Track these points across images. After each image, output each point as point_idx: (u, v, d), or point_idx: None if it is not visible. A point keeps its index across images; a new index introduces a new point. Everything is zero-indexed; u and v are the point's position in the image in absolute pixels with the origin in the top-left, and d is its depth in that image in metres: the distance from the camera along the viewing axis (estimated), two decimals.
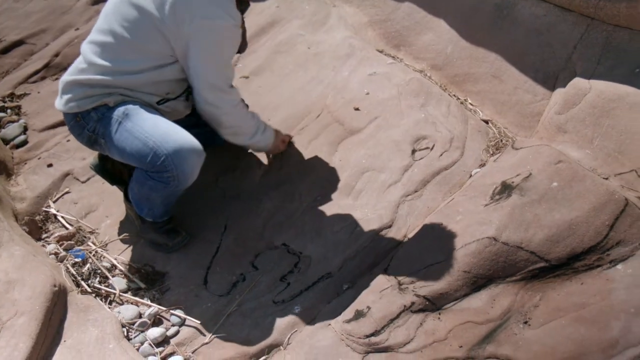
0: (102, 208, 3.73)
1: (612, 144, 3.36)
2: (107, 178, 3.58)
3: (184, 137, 3.01)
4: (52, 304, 2.91)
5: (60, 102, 3.15)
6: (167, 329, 3.07)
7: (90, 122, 3.09)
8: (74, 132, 3.22)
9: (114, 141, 3.06)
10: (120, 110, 3.04)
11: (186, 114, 3.44)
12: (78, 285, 3.21)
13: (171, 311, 3.13)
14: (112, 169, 3.50)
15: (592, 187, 3.08)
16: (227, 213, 3.55)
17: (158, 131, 2.99)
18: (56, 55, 4.96)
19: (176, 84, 3.19)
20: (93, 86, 3.05)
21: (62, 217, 3.66)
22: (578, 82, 3.62)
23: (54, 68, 4.88)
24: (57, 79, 4.78)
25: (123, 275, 3.33)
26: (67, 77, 3.13)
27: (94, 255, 3.39)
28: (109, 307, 3.15)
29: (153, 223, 3.37)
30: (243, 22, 3.36)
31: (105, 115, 3.06)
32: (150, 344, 2.99)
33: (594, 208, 3.00)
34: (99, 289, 3.22)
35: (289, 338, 2.95)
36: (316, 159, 3.73)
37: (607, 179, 3.24)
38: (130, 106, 3.06)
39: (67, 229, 3.59)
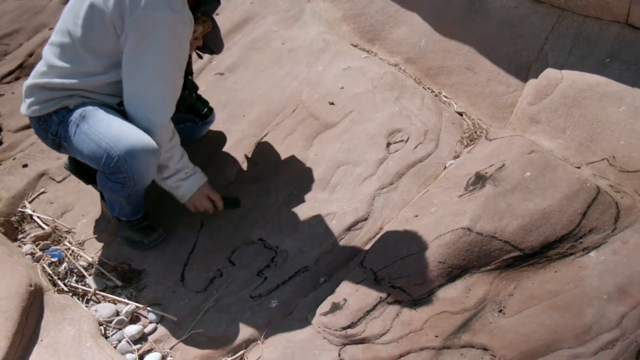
0: (78, 207, 3.71)
1: (583, 133, 3.39)
2: (81, 177, 3.56)
3: (136, 137, 2.94)
4: (28, 304, 2.89)
5: (24, 107, 3.13)
6: (144, 326, 3.06)
7: (52, 126, 3.08)
8: (39, 135, 3.20)
9: (73, 143, 3.04)
10: (77, 112, 3.01)
11: None
12: (54, 284, 3.19)
13: (148, 308, 3.13)
14: (85, 168, 3.48)
15: (565, 176, 3.10)
16: None
17: (111, 132, 2.94)
18: (30, 55, 4.92)
19: None
20: (53, 89, 3.02)
21: (38, 217, 3.64)
22: (550, 73, 3.65)
23: (27, 68, 4.84)
24: None
25: (100, 274, 3.31)
26: (29, 80, 3.10)
27: (70, 255, 3.38)
28: (86, 306, 3.14)
29: (128, 221, 3.36)
30: (214, 22, 3.35)
31: (65, 118, 3.03)
32: (127, 342, 2.98)
33: (566, 197, 3.03)
34: (76, 287, 3.21)
35: (266, 332, 2.95)
36: (292, 154, 3.73)
37: (579, 167, 3.27)
38: (88, 108, 3.03)
39: (43, 228, 3.57)
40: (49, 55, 3.04)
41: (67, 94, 3.03)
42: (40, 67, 3.09)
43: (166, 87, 3.00)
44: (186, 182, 3.25)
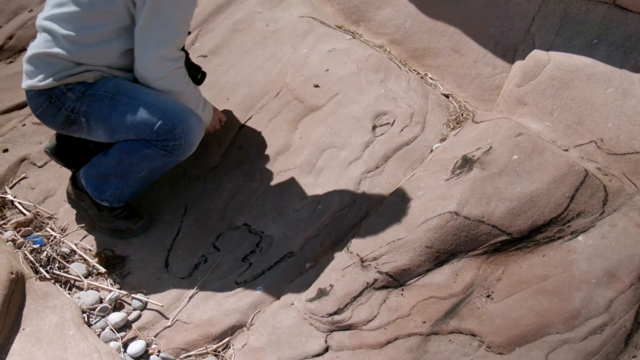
0: (60, 193, 3.66)
1: (571, 115, 3.37)
2: (61, 161, 3.50)
3: (189, 111, 3.05)
4: (9, 292, 2.85)
5: (30, 80, 3.02)
6: (128, 314, 3.03)
7: (67, 102, 2.99)
8: (46, 114, 3.08)
9: (106, 117, 2.99)
10: (108, 85, 2.99)
11: None
12: (36, 271, 3.15)
13: (132, 295, 3.09)
14: (68, 152, 3.43)
15: (552, 159, 3.09)
16: (187, 194, 3.51)
17: (163, 101, 2.99)
18: (10, 38, 4.84)
19: None
20: (63, 60, 2.95)
21: (19, 203, 3.59)
22: (537, 54, 3.62)
23: (7, 51, 4.77)
24: (11, 62, 4.68)
25: (83, 260, 3.27)
26: (35, 50, 3.00)
27: (52, 241, 3.33)
28: (69, 293, 3.10)
29: (111, 209, 3.30)
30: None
31: (86, 92, 2.98)
32: (111, 329, 2.95)
33: (554, 180, 3.02)
34: (59, 275, 3.17)
35: (252, 319, 2.93)
36: (276, 137, 3.69)
37: (567, 150, 3.26)
38: (118, 81, 3.02)
39: (24, 215, 3.52)
40: (53, 26, 2.94)
41: (83, 68, 2.97)
42: (42, 38, 3.00)
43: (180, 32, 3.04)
44: (206, 110, 3.32)
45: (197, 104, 3.23)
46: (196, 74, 3.51)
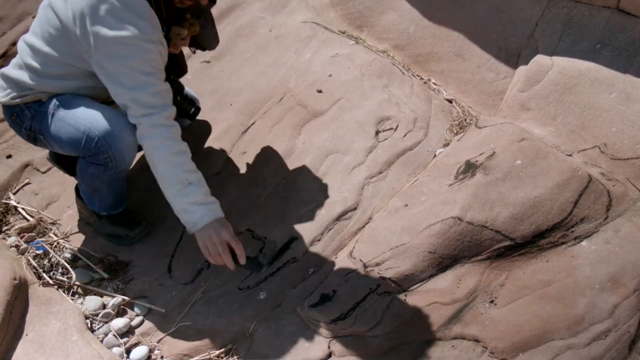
0: (64, 198, 3.66)
1: (574, 120, 3.36)
2: (63, 168, 3.52)
3: (115, 117, 2.91)
4: (12, 298, 2.85)
5: (1, 94, 3.08)
6: (131, 319, 3.03)
7: (25, 121, 3.03)
8: (14, 129, 3.15)
9: (51, 133, 2.99)
10: (52, 102, 2.98)
11: None
12: (40, 277, 3.15)
13: (135, 301, 3.09)
14: (67, 159, 3.44)
15: (556, 164, 3.08)
16: None
17: (88, 114, 2.91)
18: (13, 44, 4.84)
19: None
20: (25, 85, 2.98)
21: (23, 208, 3.59)
22: (540, 59, 3.62)
23: (11, 57, 4.78)
24: None
25: (86, 266, 3.27)
26: (6, 70, 3.06)
27: (55, 247, 3.33)
28: (72, 299, 3.10)
29: (109, 217, 3.31)
30: (209, 17, 3.30)
31: (38, 110, 2.99)
32: (114, 335, 2.95)
33: (557, 185, 3.01)
34: (61, 280, 3.17)
35: (254, 325, 2.92)
36: (280, 142, 3.69)
37: (570, 155, 3.25)
38: (62, 96, 2.99)
39: (27, 220, 3.52)
40: (23, 51, 2.99)
41: (41, 89, 2.99)
42: (17, 59, 3.03)
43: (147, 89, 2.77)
44: (202, 208, 2.81)
45: (179, 186, 2.80)
46: (189, 108, 3.50)
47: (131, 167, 3.16)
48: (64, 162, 3.48)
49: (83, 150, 2.94)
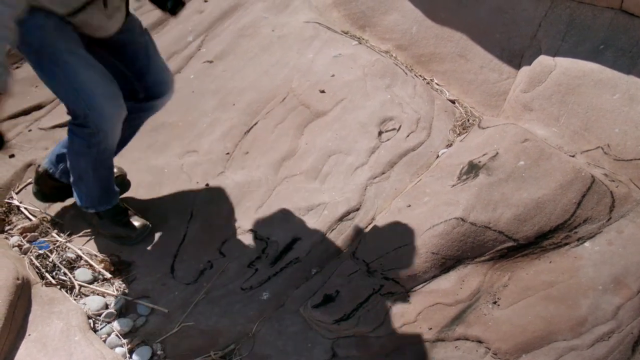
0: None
1: (578, 121, 3.36)
2: (51, 200, 3.51)
3: (108, 96, 2.86)
4: (15, 298, 2.85)
5: None
6: (134, 320, 3.02)
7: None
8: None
9: (37, 71, 2.86)
10: (34, 43, 2.74)
11: (112, 32, 2.97)
12: (42, 277, 3.15)
13: (138, 301, 3.09)
14: (53, 189, 3.42)
15: (559, 165, 3.08)
16: (192, 200, 3.50)
17: (84, 81, 2.80)
18: None
19: None
20: None
21: (26, 208, 3.59)
22: (543, 60, 3.62)
23: (13, 56, 4.77)
24: (17, 67, 4.68)
25: (88, 266, 3.27)
26: None
27: (58, 247, 3.33)
28: (75, 299, 3.09)
29: (109, 216, 3.29)
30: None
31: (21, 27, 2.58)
32: (117, 335, 2.94)
33: (560, 186, 3.01)
34: (64, 280, 3.16)
35: (257, 325, 2.92)
36: (282, 142, 3.69)
37: (573, 156, 3.25)
38: (46, 42, 2.75)
39: (30, 220, 3.52)
40: None
41: None
42: None
43: None
44: None
45: None
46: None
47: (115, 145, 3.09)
48: (50, 195, 3.47)
49: (71, 114, 2.92)
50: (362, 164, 3.49)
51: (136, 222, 3.34)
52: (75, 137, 3.00)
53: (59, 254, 3.28)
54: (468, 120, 3.72)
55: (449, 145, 3.56)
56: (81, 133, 2.95)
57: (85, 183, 3.19)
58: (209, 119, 3.92)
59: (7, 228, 3.48)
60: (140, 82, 3.17)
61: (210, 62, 4.38)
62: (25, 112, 4.18)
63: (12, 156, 3.90)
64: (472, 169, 3.17)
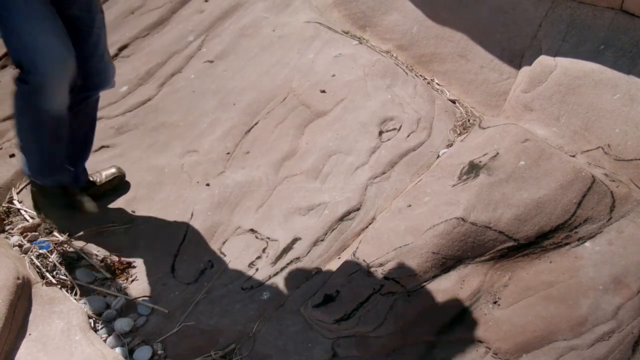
0: None
1: (578, 121, 3.36)
2: (52, 213, 3.49)
3: (52, 43, 2.77)
4: (15, 297, 2.85)
5: None
6: (134, 319, 3.02)
7: None
8: None
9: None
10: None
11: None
12: (43, 277, 3.15)
13: (138, 301, 3.09)
14: (51, 198, 3.41)
15: (559, 165, 3.08)
16: (193, 200, 3.50)
17: (26, 31, 2.73)
18: None
19: None
20: None
21: (25, 211, 3.58)
22: (544, 60, 3.62)
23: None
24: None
25: (89, 266, 3.27)
26: None
27: (59, 247, 3.33)
28: (75, 299, 3.10)
29: (54, 197, 3.30)
30: None
31: None
32: (117, 335, 2.94)
33: (561, 186, 3.01)
34: (65, 280, 3.17)
35: (257, 325, 2.92)
36: (283, 142, 3.69)
37: (574, 156, 3.25)
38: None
39: (31, 220, 3.52)
40: None
41: None
42: None
43: None
44: None
45: None
46: None
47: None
48: (50, 205, 3.45)
49: (16, 60, 2.84)
50: (362, 163, 3.49)
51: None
52: (18, 94, 2.92)
53: (59, 253, 3.28)
54: (468, 120, 3.72)
55: (450, 145, 3.56)
56: (23, 89, 2.87)
57: (27, 148, 3.14)
58: (209, 118, 3.92)
59: (7, 228, 3.48)
60: (81, 68, 3.05)
61: (211, 62, 4.38)
62: None
63: (12, 156, 3.90)
64: (473, 169, 3.17)
